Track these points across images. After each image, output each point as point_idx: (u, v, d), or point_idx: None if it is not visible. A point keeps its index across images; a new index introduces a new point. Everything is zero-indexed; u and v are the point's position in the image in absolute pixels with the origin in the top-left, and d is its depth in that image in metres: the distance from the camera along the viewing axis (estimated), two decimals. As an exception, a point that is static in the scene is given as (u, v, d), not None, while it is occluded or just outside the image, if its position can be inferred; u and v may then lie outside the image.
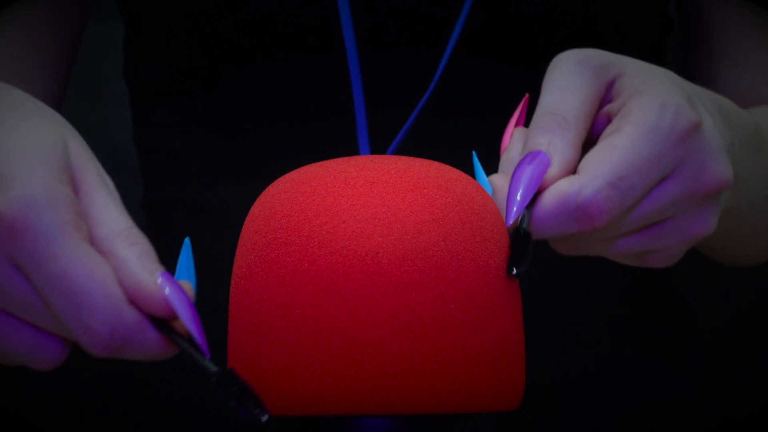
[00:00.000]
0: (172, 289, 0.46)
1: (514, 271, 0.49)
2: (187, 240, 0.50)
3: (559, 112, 0.53)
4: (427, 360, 0.47)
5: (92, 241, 0.46)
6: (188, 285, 0.48)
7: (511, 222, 0.51)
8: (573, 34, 0.69)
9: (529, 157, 0.52)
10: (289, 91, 0.70)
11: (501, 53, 0.69)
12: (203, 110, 0.73)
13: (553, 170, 0.52)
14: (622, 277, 0.74)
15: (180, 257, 0.49)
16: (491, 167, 0.55)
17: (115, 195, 0.48)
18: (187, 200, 0.74)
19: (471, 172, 0.53)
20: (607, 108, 0.55)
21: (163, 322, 0.46)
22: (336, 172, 0.50)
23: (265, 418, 0.45)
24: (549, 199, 0.51)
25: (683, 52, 0.80)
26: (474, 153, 0.55)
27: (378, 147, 0.67)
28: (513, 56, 0.69)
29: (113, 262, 0.46)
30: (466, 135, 0.69)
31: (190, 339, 0.47)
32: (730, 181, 0.54)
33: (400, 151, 0.65)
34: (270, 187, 0.52)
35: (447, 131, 0.69)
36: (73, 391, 0.92)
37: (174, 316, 0.46)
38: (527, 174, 0.51)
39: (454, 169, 0.52)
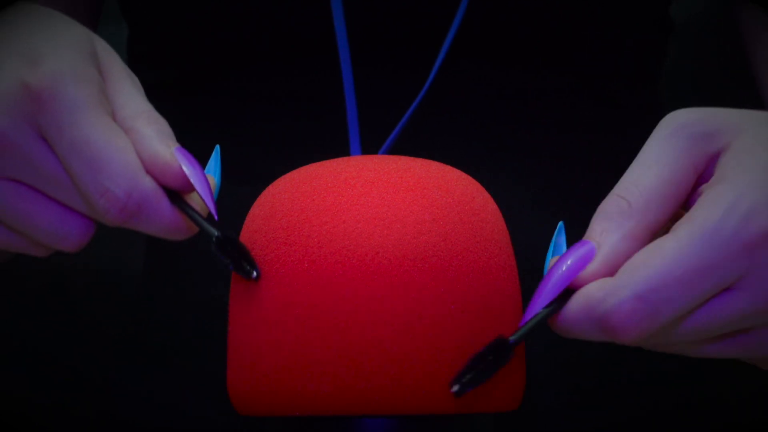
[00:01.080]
0: (187, 160, 0.49)
1: (456, 387, 0.46)
2: (217, 147, 0.53)
3: (627, 195, 0.47)
4: (427, 360, 0.47)
5: (115, 121, 0.50)
6: (212, 178, 0.51)
7: (523, 321, 0.47)
8: (571, 34, 0.69)
9: (574, 247, 0.47)
10: (289, 92, 0.70)
11: (497, 53, 0.69)
12: (203, 111, 0.73)
13: (594, 266, 0.46)
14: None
15: (210, 159, 0.52)
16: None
17: (139, 86, 0.52)
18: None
19: (469, 170, 0.53)
20: (702, 188, 0.47)
21: (177, 196, 0.49)
22: (336, 172, 0.50)
23: (254, 276, 0.48)
24: (576, 302, 0.46)
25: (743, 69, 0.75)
26: (561, 223, 0.50)
27: (377, 147, 0.67)
28: (509, 56, 0.69)
29: (133, 136, 0.49)
30: (462, 135, 0.69)
31: (209, 217, 0.50)
32: None
33: (396, 150, 0.65)
34: (270, 187, 0.52)
35: (443, 131, 0.69)
36: (74, 392, 0.92)
37: (188, 189, 0.49)
38: (560, 268, 0.47)
39: (453, 169, 0.52)
